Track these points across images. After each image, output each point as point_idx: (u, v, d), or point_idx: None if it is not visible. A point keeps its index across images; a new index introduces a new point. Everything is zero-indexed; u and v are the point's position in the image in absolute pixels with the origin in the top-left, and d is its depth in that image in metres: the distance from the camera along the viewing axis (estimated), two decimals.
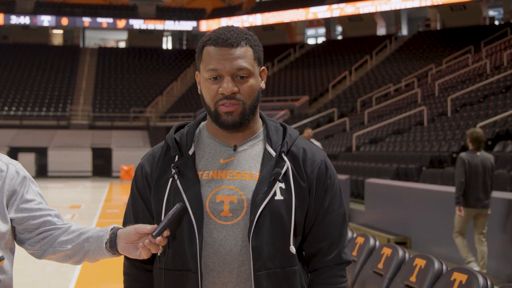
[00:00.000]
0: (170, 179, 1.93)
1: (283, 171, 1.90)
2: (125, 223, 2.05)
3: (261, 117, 2.05)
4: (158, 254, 1.94)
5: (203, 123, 2.06)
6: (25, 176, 2.09)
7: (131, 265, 2.05)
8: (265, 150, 1.96)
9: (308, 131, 12.24)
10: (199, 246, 1.86)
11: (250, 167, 1.94)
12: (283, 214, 1.88)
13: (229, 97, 1.87)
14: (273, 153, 1.94)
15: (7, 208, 2.02)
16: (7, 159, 2.09)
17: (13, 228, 2.05)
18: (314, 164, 1.97)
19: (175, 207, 1.85)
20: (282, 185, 1.90)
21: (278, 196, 1.88)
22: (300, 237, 1.97)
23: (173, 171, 1.93)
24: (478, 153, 7.68)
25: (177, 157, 1.96)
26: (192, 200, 1.89)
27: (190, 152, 1.96)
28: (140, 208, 2.02)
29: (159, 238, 1.81)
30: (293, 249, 1.89)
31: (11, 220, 2.03)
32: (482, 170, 7.57)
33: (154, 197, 1.96)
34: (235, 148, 1.97)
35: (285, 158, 1.93)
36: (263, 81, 2.00)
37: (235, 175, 1.92)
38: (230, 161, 1.95)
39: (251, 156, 1.96)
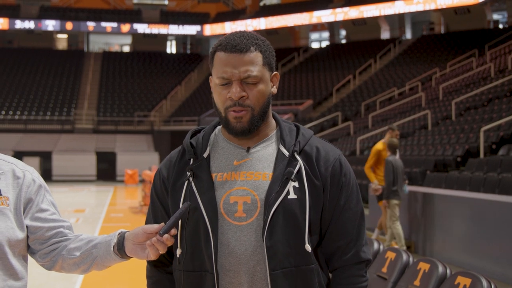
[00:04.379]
0: (186, 182, 1.95)
1: (295, 170, 1.91)
2: None
3: (275, 118, 2.07)
4: (177, 255, 1.96)
5: (219, 127, 2.09)
6: (41, 185, 2.10)
7: (153, 268, 2.08)
8: (279, 150, 1.98)
9: (396, 133, 10.24)
10: (214, 246, 1.88)
11: (263, 168, 1.95)
12: (297, 213, 1.89)
13: (238, 102, 1.90)
14: (286, 153, 1.96)
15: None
16: (23, 166, 2.11)
17: (26, 237, 2.06)
18: (328, 162, 1.98)
19: (182, 206, 1.87)
20: (296, 184, 1.91)
21: (292, 195, 1.89)
22: (317, 236, 1.97)
23: (188, 173, 1.95)
24: (397, 157, 9.57)
25: (192, 160, 1.99)
26: (206, 201, 1.91)
27: (205, 155, 1.99)
28: (159, 214, 2.05)
29: (166, 236, 1.82)
30: (308, 247, 1.90)
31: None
32: (401, 171, 9.42)
33: (171, 200, 1.99)
34: (248, 149, 1.98)
35: (297, 157, 1.94)
36: (274, 86, 2.02)
37: (249, 176, 1.94)
38: (243, 162, 1.97)
39: (265, 156, 1.98)
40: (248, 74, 1.89)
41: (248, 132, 1.93)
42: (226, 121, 1.94)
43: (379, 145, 10.19)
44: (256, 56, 1.93)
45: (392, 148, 9.50)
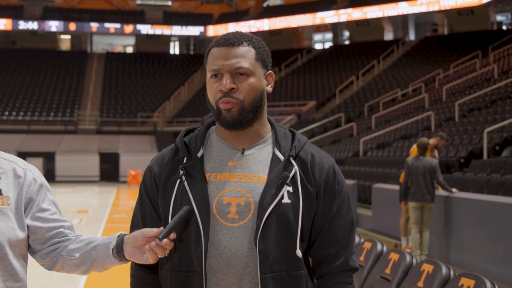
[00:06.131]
0: (178, 180, 1.94)
1: (291, 175, 1.90)
2: (132, 227, 2.05)
3: (270, 122, 2.06)
4: (166, 254, 1.92)
5: (212, 127, 2.08)
6: (42, 184, 2.09)
7: (138, 266, 2.05)
8: (274, 154, 1.97)
9: (443, 142, 10.03)
10: (205, 247, 1.86)
11: (258, 170, 1.94)
12: (290, 218, 1.88)
13: (228, 94, 1.89)
14: (282, 157, 1.95)
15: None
16: (24, 164, 2.09)
17: (27, 237, 2.05)
18: (322, 169, 1.97)
19: (181, 209, 1.85)
20: (290, 188, 1.90)
21: (286, 200, 1.88)
22: (306, 242, 1.97)
23: (181, 172, 1.94)
24: (421, 158, 9.10)
25: (185, 159, 1.98)
26: (199, 201, 1.89)
27: (199, 155, 1.97)
28: (148, 210, 2.03)
29: (165, 240, 1.80)
30: (299, 252, 1.89)
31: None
32: (423, 171, 8.95)
33: (161, 198, 1.97)
34: (243, 151, 1.97)
35: (293, 162, 1.94)
36: (269, 85, 2.01)
37: (243, 178, 1.92)
38: (238, 164, 1.95)
39: (260, 159, 1.96)
40: (238, 66, 1.89)
41: (239, 123, 1.91)
42: (217, 113, 1.93)
43: None
44: (248, 50, 1.93)
45: (420, 147, 9.15)
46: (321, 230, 1.98)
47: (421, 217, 9.11)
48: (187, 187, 1.92)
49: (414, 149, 10.02)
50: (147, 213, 2.03)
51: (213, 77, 1.92)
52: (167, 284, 1.95)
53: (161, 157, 2.06)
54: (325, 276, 1.99)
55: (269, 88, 2.01)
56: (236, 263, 1.87)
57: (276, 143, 1.99)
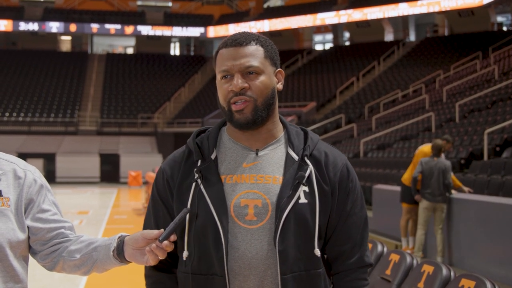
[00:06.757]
0: (194, 184, 1.93)
1: (306, 175, 1.91)
2: (145, 229, 2.03)
3: (281, 121, 2.06)
4: (184, 258, 1.94)
5: (224, 128, 2.07)
6: (42, 185, 2.09)
7: (151, 267, 2.04)
8: (287, 154, 1.97)
9: (449, 145, 10.01)
10: (225, 250, 1.86)
11: (273, 171, 1.94)
12: (308, 218, 1.89)
13: (240, 93, 1.89)
14: (296, 157, 1.95)
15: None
16: (25, 165, 2.09)
17: (27, 238, 2.05)
18: (336, 167, 1.99)
19: (182, 211, 1.85)
20: (306, 188, 1.91)
21: (302, 200, 1.89)
22: (322, 240, 1.97)
23: (196, 175, 1.93)
24: (435, 159, 9.18)
25: (199, 161, 1.97)
26: (217, 204, 1.89)
27: (213, 157, 1.97)
28: (161, 213, 2.02)
29: (165, 242, 1.81)
30: (317, 252, 1.90)
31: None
32: (437, 173, 9.01)
33: (176, 201, 1.96)
34: (257, 152, 1.97)
35: (308, 161, 1.94)
36: (280, 83, 2.01)
37: (259, 179, 1.93)
38: (253, 165, 1.95)
39: (274, 160, 1.97)
40: (248, 64, 1.90)
41: (253, 123, 1.91)
42: (230, 115, 1.93)
43: (426, 148, 9.85)
44: (256, 49, 1.94)
45: (435, 149, 9.17)
46: (335, 228, 1.99)
47: (434, 218, 9.14)
48: (203, 190, 1.91)
49: (420, 150, 9.96)
50: (160, 215, 2.03)
51: (223, 78, 1.92)
52: (188, 287, 1.94)
53: (173, 159, 2.05)
54: (341, 272, 2.01)
55: (280, 86, 2.01)
56: (257, 265, 1.87)
57: (289, 143, 1.99)
